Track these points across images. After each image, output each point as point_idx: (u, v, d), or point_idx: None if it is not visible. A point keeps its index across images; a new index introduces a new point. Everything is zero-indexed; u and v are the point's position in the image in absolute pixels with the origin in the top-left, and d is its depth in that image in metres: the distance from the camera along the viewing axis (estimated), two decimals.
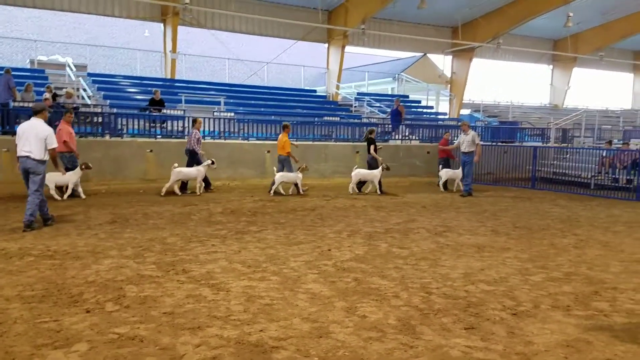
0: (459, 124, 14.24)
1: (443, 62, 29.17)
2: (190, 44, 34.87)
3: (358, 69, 32.83)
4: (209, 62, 33.75)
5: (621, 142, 18.66)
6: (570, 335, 4.10)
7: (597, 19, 28.19)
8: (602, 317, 4.57)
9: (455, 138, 16.64)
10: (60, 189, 11.24)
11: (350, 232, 8.22)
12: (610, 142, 18.38)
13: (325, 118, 21.28)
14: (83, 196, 11.35)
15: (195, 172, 12.56)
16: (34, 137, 7.75)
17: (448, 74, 28.99)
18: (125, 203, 10.70)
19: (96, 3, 20.18)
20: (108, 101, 17.63)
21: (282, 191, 12.80)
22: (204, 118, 16.08)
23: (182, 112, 17.13)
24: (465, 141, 13.72)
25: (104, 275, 5.49)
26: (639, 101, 36.49)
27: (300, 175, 12.90)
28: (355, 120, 21.39)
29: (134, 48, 30.43)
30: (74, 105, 15.40)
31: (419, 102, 27.84)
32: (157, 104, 16.80)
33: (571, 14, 24.49)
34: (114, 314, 4.39)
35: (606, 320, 4.48)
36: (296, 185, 12.95)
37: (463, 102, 28.94)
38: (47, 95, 14.50)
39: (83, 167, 11.47)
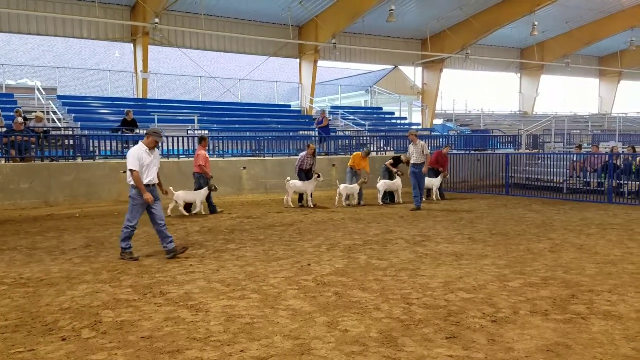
0: (407, 134, 13.96)
1: (414, 74, 29.66)
2: (162, 62, 34.75)
3: (331, 83, 33.12)
4: (181, 80, 33.62)
5: (590, 145, 19.09)
6: (549, 340, 4.14)
7: (562, 27, 29.02)
8: (580, 320, 4.63)
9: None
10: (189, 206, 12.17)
11: (329, 245, 8.21)
12: (580, 147, 18.83)
13: (301, 132, 21.36)
14: (203, 212, 12.16)
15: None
16: None
17: (419, 85, 29.41)
18: (100, 226, 10.51)
19: (64, 25, 19.96)
20: (79, 123, 17.40)
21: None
22: (177, 136, 15.99)
23: None
24: (414, 152, 12.85)
25: (79, 301, 5.36)
26: (605, 105, 37.51)
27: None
28: (331, 134, 21.48)
29: (104, 69, 30.18)
30: (44, 129, 15.15)
31: (393, 113, 28.17)
32: (130, 124, 16.64)
33: (536, 23, 25.17)
34: (91, 340, 4.28)
35: (584, 323, 4.54)
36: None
37: (435, 112, 29.37)
38: (20, 119, 14.20)
39: (213, 188, 12.15)
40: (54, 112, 18.41)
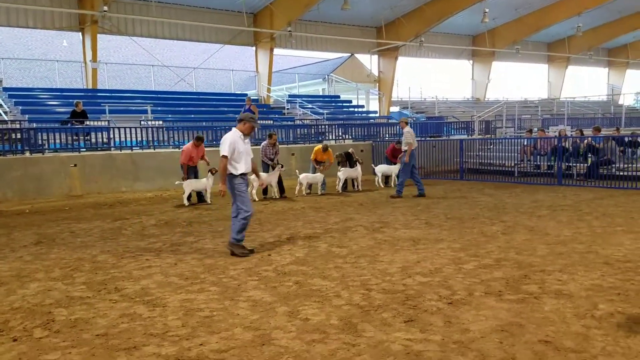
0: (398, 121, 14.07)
1: (370, 62, 29.83)
2: (112, 52, 33.70)
3: (288, 71, 32.94)
4: (133, 70, 32.72)
5: (537, 130, 19.70)
6: (503, 320, 4.27)
7: (512, 14, 29.72)
8: (533, 299, 4.79)
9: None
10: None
11: (290, 235, 8.20)
12: (530, 131, 19.40)
13: (259, 122, 21.15)
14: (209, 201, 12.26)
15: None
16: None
17: (376, 73, 29.62)
18: (51, 222, 10.15)
19: (8, 14, 19.08)
20: (27, 116, 16.68)
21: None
22: (130, 128, 15.58)
23: (107, 122, 16.50)
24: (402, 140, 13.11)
25: (30, 300, 5.18)
26: (555, 90, 38.74)
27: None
28: (289, 123, 21.39)
29: (52, 59, 29.05)
30: None
31: (350, 101, 28.27)
32: (80, 115, 16.11)
33: (487, 10, 25.69)
34: (44, 340, 4.14)
35: (536, 303, 4.69)
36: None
37: (392, 99, 29.66)
38: None
39: (214, 171, 11.79)
40: (0, 105, 17.60)
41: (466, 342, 3.85)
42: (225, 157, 6.71)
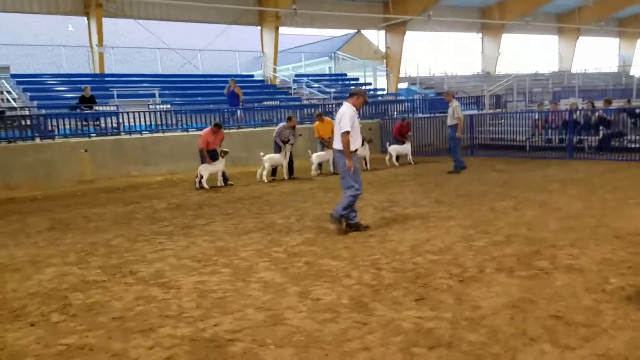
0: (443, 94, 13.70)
1: (377, 38, 29.45)
2: (118, 35, 33.57)
3: (294, 51, 32.57)
4: (140, 53, 32.59)
5: (549, 103, 19.47)
6: (514, 296, 4.29)
7: None
8: (544, 275, 4.80)
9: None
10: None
11: (299, 216, 8.24)
12: (541, 104, 19.17)
13: (265, 103, 21.10)
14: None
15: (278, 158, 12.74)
16: (337, 124, 6.82)
17: (383, 49, 29.28)
18: (64, 207, 10.27)
19: (13, 0, 19.02)
20: (35, 102, 16.77)
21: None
22: (138, 112, 15.61)
23: (115, 107, 16.53)
24: (448, 114, 12.68)
25: (46, 285, 5.28)
26: (565, 62, 38.12)
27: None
28: (296, 103, 21.30)
29: (59, 44, 28.99)
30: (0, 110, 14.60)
31: (357, 79, 28.02)
32: (88, 101, 16.15)
33: None
34: (61, 324, 4.23)
35: (547, 278, 4.70)
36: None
37: (400, 76, 29.36)
38: None
39: (223, 154, 12.19)
40: (8, 92, 17.66)
41: (477, 318, 3.88)
42: (348, 132, 6.57)
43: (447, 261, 5.35)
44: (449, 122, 12.63)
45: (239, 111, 17.74)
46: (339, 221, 6.83)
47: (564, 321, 3.76)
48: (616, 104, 17.80)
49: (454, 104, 12.57)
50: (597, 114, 15.25)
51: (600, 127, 15.01)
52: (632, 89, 25.48)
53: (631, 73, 36.28)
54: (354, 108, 6.78)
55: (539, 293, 4.34)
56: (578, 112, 15.99)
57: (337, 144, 6.78)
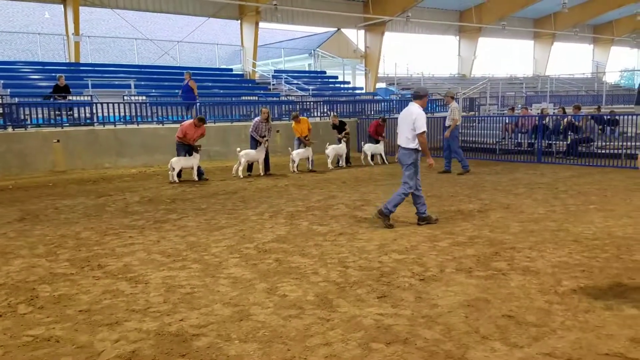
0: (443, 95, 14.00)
1: (357, 37, 29.64)
2: (95, 24, 33.06)
3: (274, 46, 32.59)
4: (116, 43, 32.19)
5: (520, 107, 19.89)
6: (470, 296, 4.48)
7: None
8: (501, 276, 5.00)
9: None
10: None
11: (273, 212, 8.34)
12: (513, 109, 19.59)
13: (243, 97, 21.09)
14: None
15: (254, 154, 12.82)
16: (403, 122, 7.09)
17: (362, 48, 29.48)
18: (34, 198, 10.19)
19: None
20: (8, 90, 16.49)
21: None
22: (113, 103, 15.49)
23: (90, 97, 16.37)
24: (447, 115, 12.91)
25: (14, 276, 5.29)
26: (540, 67, 38.91)
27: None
28: (274, 99, 21.35)
29: (34, 32, 28.46)
30: None
31: (337, 77, 28.19)
32: (62, 90, 15.97)
33: None
34: (27, 316, 4.27)
35: (504, 279, 4.91)
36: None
37: (378, 75, 29.62)
38: None
39: (198, 149, 12.25)
40: None
41: (434, 316, 4.05)
42: (424, 132, 6.93)
43: (411, 260, 5.53)
44: (448, 123, 12.80)
45: (196, 105, 17.13)
46: (387, 217, 7.13)
47: (515, 321, 3.95)
48: (586, 110, 18.30)
49: (453, 105, 12.78)
50: (566, 119, 15.67)
51: (569, 133, 15.43)
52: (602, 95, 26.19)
53: (603, 79, 37.20)
54: (421, 109, 7.12)
55: (494, 293, 4.54)
56: (547, 118, 16.38)
57: (403, 142, 7.10)
